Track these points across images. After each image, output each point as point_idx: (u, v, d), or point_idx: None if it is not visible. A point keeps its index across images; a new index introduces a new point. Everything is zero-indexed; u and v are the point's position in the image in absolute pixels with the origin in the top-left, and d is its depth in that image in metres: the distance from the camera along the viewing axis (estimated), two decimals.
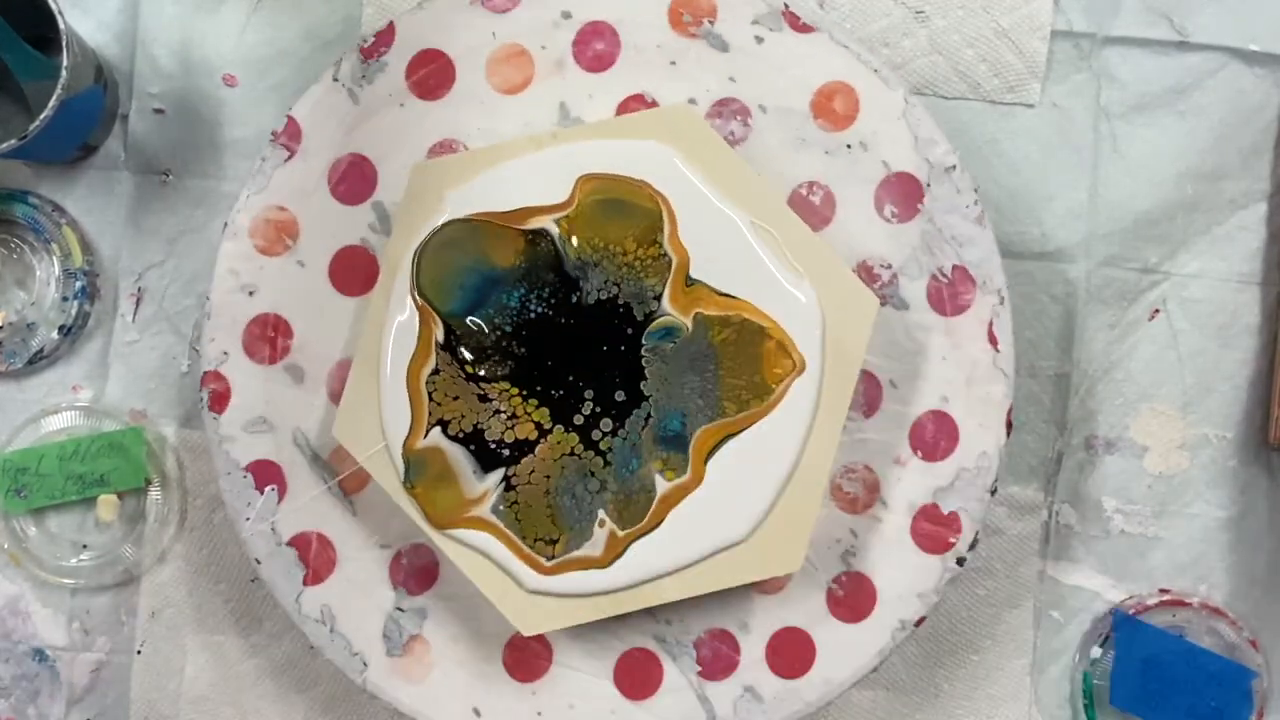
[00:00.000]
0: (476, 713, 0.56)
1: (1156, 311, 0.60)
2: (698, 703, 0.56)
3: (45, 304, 0.60)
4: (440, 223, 0.53)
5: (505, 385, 0.53)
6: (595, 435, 0.53)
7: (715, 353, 0.53)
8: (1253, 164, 0.60)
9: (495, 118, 0.56)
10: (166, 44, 0.60)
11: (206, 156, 0.60)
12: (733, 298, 0.53)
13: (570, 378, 0.53)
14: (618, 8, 0.56)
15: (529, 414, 0.53)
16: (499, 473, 0.53)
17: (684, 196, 0.53)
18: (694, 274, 0.53)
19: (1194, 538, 0.60)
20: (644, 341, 0.53)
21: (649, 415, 0.53)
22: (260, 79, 0.60)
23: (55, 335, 0.60)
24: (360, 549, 0.56)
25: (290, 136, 0.56)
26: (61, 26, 0.53)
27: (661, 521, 0.53)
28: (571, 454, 0.53)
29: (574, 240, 0.53)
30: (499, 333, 0.53)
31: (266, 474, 0.56)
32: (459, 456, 0.53)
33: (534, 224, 0.53)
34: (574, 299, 0.53)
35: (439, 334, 0.53)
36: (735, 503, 0.53)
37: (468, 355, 0.53)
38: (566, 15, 0.56)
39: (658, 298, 0.53)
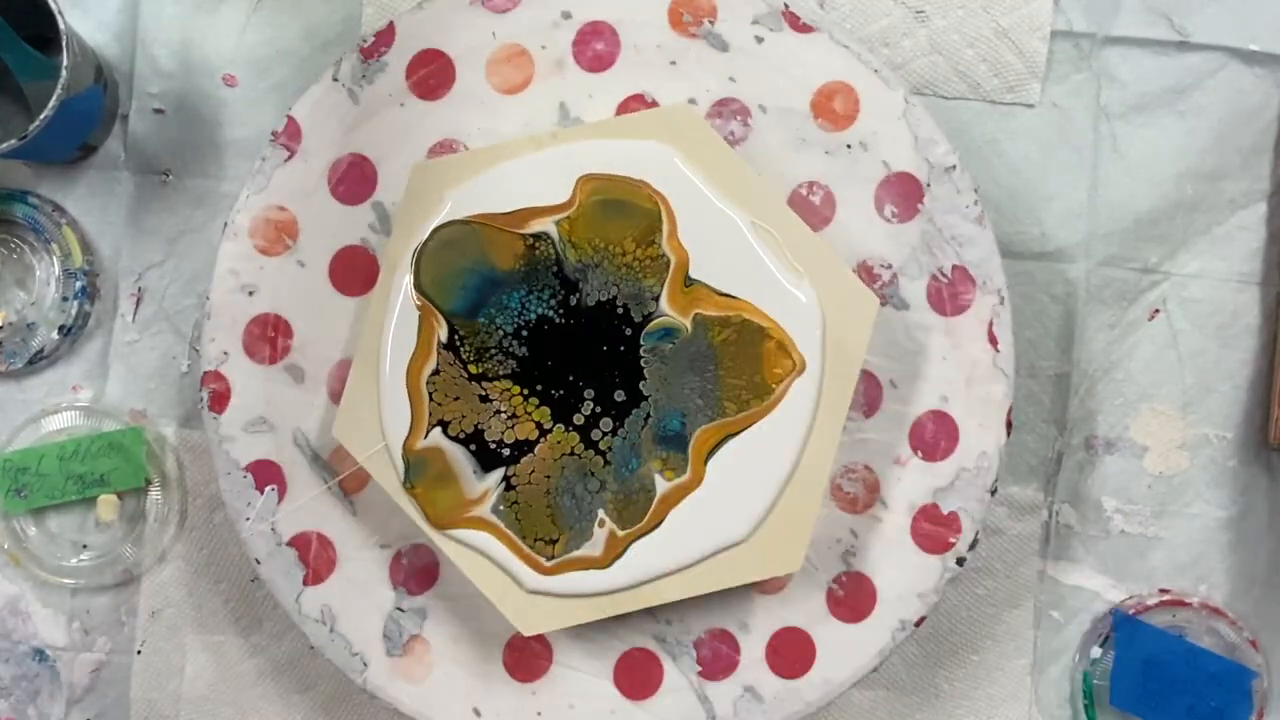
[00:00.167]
0: (476, 713, 0.56)
1: (1156, 311, 0.60)
2: (698, 703, 0.56)
3: (45, 304, 0.60)
4: (440, 223, 0.53)
5: (507, 384, 0.53)
6: (595, 435, 0.53)
7: (715, 353, 0.53)
8: (1253, 164, 0.60)
9: (495, 118, 0.56)
10: (166, 44, 0.60)
11: (206, 156, 0.60)
12: (733, 298, 0.53)
13: (570, 377, 0.53)
14: (618, 8, 0.56)
15: (530, 413, 0.53)
16: (499, 473, 0.53)
17: (684, 196, 0.53)
18: (694, 274, 0.53)
19: (1194, 538, 0.60)
20: (642, 342, 0.53)
21: (649, 415, 0.53)
22: (260, 79, 0.60)
23: (55, 335, 0.60)
24: (360, 549, 0.56)
25: (290, 136, 0.56)
26: (61, 26, 0.53)
27: (661, 521, 0.53)
28: (571, 454, 0.53)
29: (573, 243, 0.53)
30: (500, 332, 0.53)
31: (266, 474, 0.56)
32: (459, 456, 0.53)
33: (534, 227, 0.53)
34: (574, 300, 0.53)
35: (442, 334, 0.53)
36: (735, 503, 0.53)
37: (470, 355, 0.53)
38: (566, 15, 0.56)
39: (655, 298, 0.53)
